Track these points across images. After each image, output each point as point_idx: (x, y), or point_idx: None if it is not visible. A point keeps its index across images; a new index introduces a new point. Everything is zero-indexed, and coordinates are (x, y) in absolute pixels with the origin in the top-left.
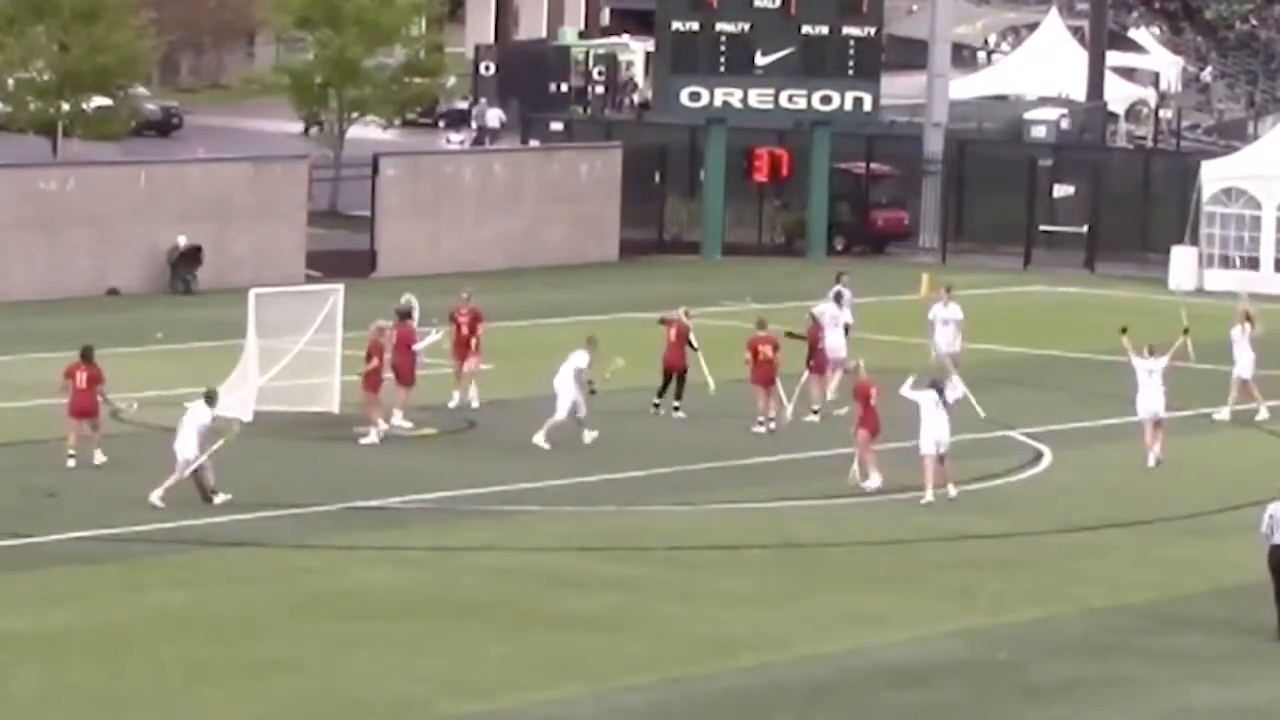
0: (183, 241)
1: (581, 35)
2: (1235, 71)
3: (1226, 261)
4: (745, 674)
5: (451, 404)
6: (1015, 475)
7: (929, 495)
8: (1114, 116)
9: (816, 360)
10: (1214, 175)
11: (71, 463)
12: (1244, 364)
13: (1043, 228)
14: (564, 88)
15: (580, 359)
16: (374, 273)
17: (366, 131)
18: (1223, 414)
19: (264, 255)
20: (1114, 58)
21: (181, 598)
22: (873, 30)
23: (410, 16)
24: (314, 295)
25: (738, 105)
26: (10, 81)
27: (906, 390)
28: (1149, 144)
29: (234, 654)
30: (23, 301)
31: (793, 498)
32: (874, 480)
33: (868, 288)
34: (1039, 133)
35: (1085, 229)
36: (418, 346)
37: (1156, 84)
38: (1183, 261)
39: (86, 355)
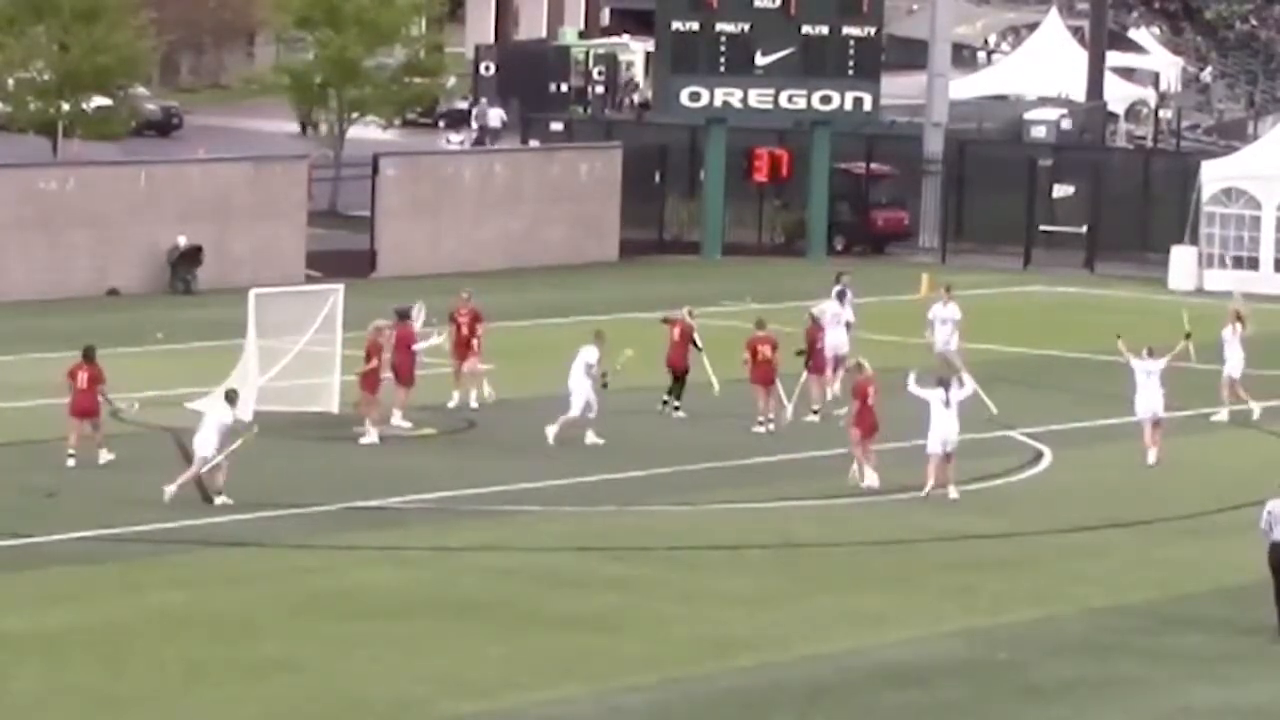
0: (183, 241)
1: (581, 35)
2: (1235, 71)
3: (1226, 261)
4: (745, 674)
5: (451, 404)
6: (1015, 475)
7: (928, 488)
8: (1114, 116)
9: (815, 360)
10: (1214, 175)
11: (71, 462)
12: (1234, 364)
13: (1042, 228)
14: (564, 88)
15: (590, 354)
16: (374, 273)
17: (366, 131)
18: (1221, 415)
19: (264, 255)
20: (1114, 58)
21: (181, 598)
22: (873, 30)
23: (410, 16)
24: (314, 295)
25: (738, 105)
26: (10, 81)
27: (914, 388)
28: (1149, 144)
29: (234, 654)
30: (23, 301)
31: (793, 498)
32: (869, 479)
33: (868, 288)
34: (1039, 133)
35: (1085, 229)
36: (418, 347)
37: (1156, 84)
38: (1182, 261)
39: (88, 355)
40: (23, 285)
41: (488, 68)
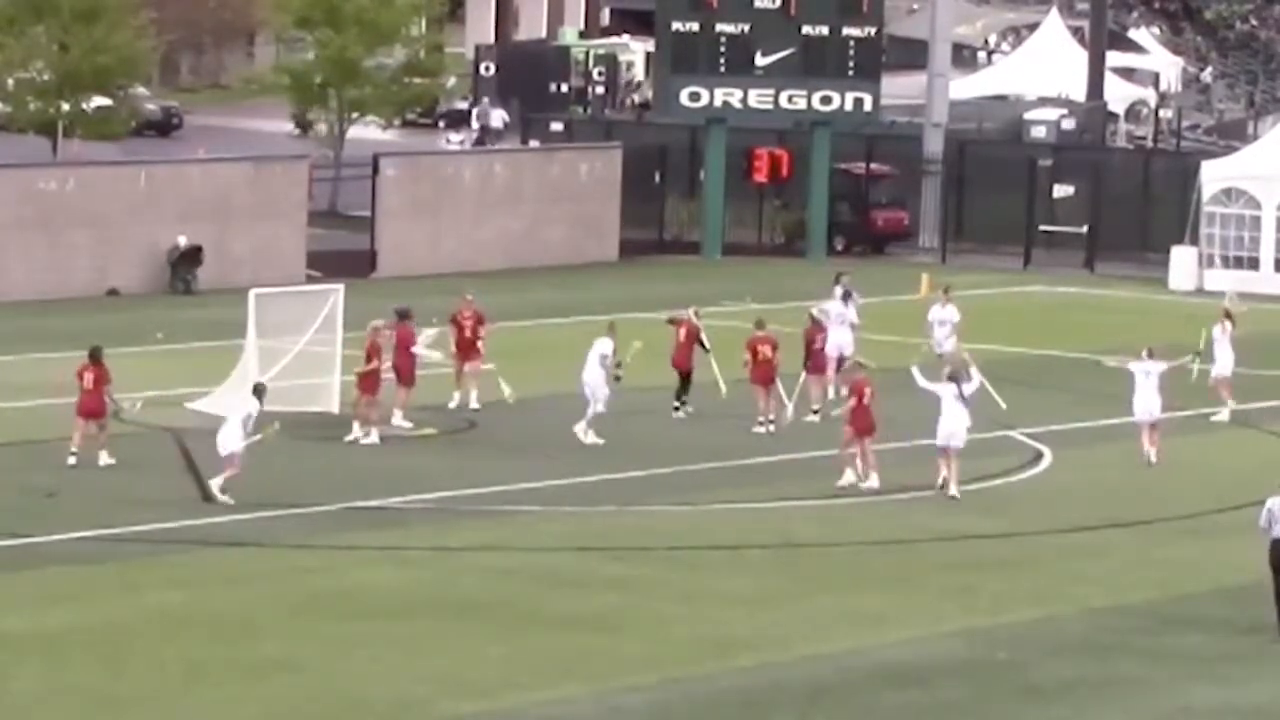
0: (183, 241)
1: (581, 35)
2: (1235, 71)
3: (1227, 262)
4: (745, 674)
5: (452, 404)
6: (1015, 475)
7: (941, 480)
8: (1114, 116)
9: (814, 360)
10: (1214, 175)
11: (72, 460)
12: (1223, 363)
13: (1043, 228)
14: (564, 88)
15: (604, 345)
16: (374, 273)
17: (366, 131)
18: (1222, 415)
19: (264, 255)
20: (1114, 58)
21: (181, 598)
22: (873, 30)
23: (410, 16)
24: (314, 295)
25: (738, 105)
26: (10, 81)
27: (922, 382)
28: (1149, 144)
29: (233, 654)
30: (23, 301)
31: (793, 498)
32: (848, 477)
33: (868, 288)
34: (1039, 133)
35: (1085, 229)
36: (418, 349)
37: (1156, 84)
38: (1182, 262)
39: (94, 356)
40: (23, 285)
41: (488, 68)
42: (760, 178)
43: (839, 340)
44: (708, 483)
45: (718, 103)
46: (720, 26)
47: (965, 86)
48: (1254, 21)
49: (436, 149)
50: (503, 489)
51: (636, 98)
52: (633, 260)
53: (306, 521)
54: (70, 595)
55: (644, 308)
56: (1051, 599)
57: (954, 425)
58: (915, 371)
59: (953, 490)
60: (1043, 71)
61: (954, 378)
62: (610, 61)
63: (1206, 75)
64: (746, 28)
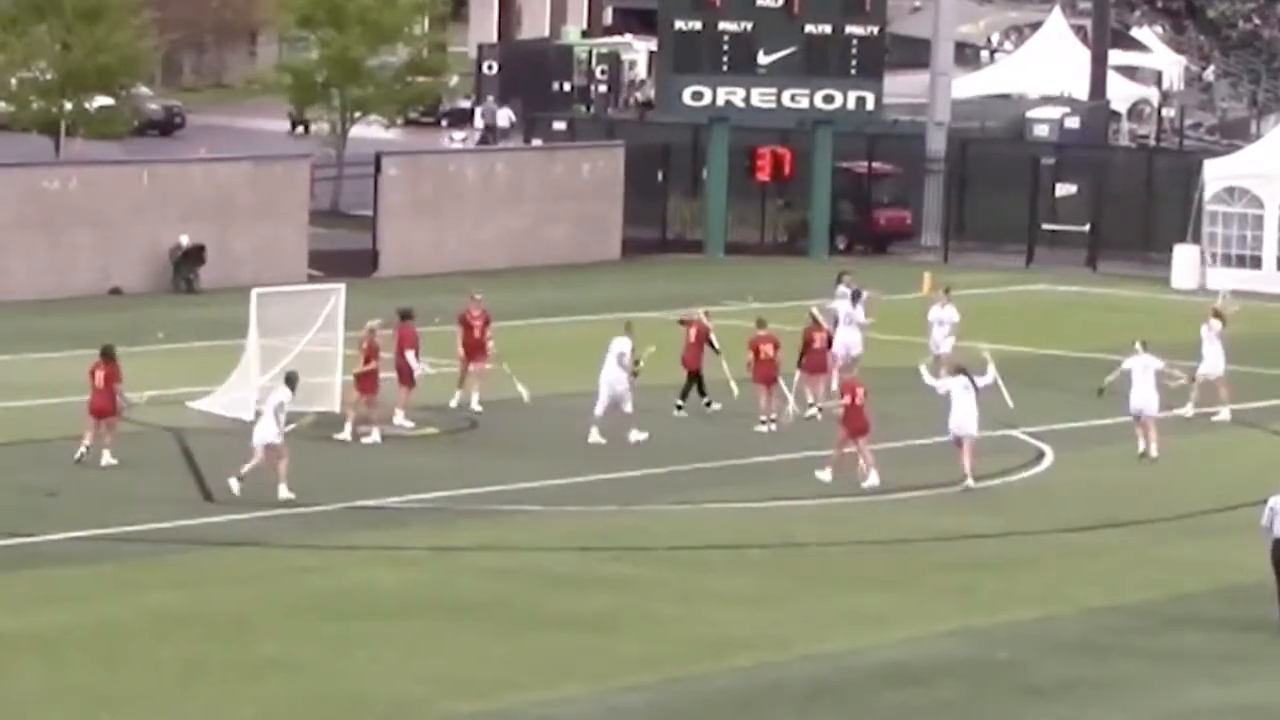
0: (185, 241)
1: (584, 34)
2: (1238, 70)
3: (1229, 260)
4: (745, 674)
5: (453, 403)
6: (1015, 475)
7: (968, 476)
8: (1116, 115)
9: (810, 359)
10: (1216, 174)
11: (80, 452)
12: (1210, 362)
13: (1045, 226)
14: (567, 87)
15: (622, 344)
16: (376, 272)
17: (369, 131)
18: (1223, 414)
19: (266, 255)
20: (1116, 56)
21: (180, 597)
22: (875, 29)
23: (413, 15)
24: (316, 295)
25: (740, 104)
26: (13, 81)
27: (930, 380)
28: (1151, 143)
29: (232, 654)
30: (25, 301)
31: (792, 497)
32: (826, 474)
33: (870, 287)
34: (1041, 131)
35: (1088, 228)
36: (415, 363)
37: (1159, 83)
38: (1185, 260)
39: (106, 354)
40: (25, 285)
41: (490, 67)
42: (763, 177)
43: (847, 340)
44: (707, 482)
45: (720, 101)
46: (723, 25)
47: (968, 85)
48: (1257, 20)
49: (439, 148)
50: (503, 489)
51: (639, 96)
52: (635, 259)
53: (305, 521)
54: (69, 595)
55: (647, 307)
56: (1051, 599)
57: (963, 415)
58: (924, 370)
59: (968, 481)
60: (1045, 70)
61: (962, 369)
62: (613, 60)
63: (1209, 74)
64: (749, 26)
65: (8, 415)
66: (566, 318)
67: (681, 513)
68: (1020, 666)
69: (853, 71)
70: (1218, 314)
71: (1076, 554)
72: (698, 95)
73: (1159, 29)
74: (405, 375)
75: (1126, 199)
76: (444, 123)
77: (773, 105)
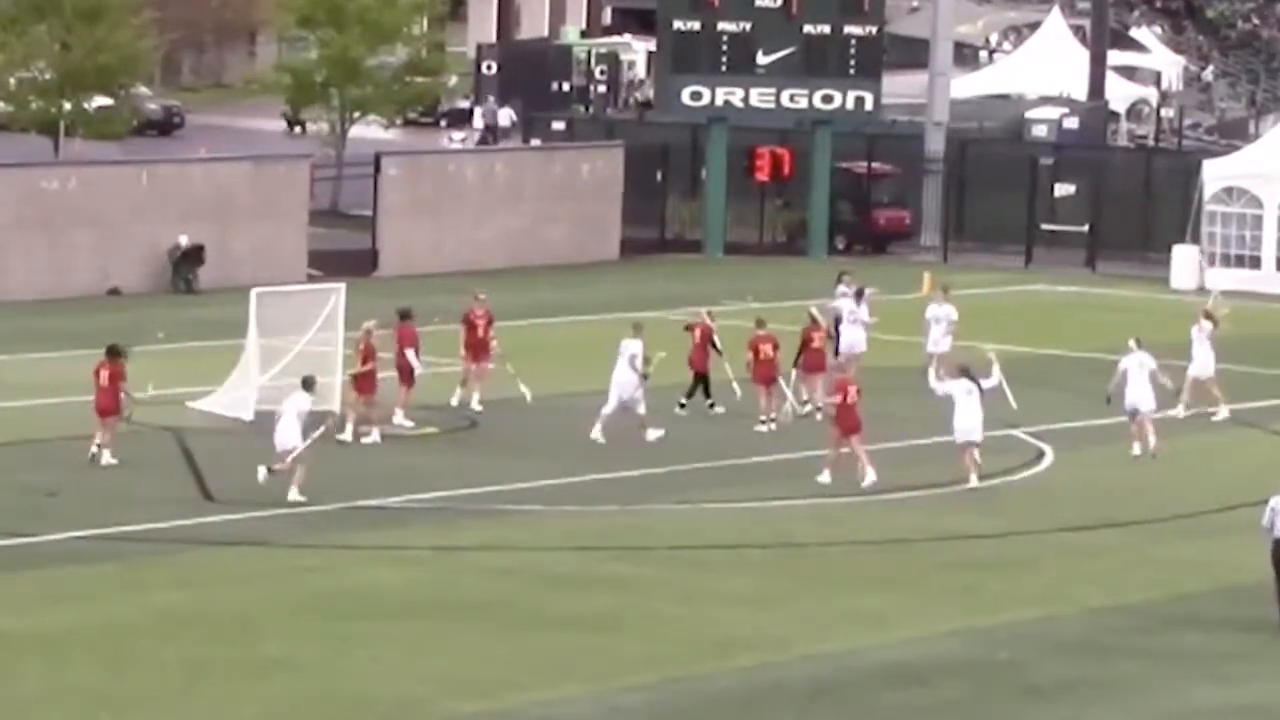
0: (184, 241)
1: (583, 34)
2: (1237, 70)
3: (1228, 260)
4: (745, 674)
5: (453, 401)
6: (1015, 475)
7: (973, 481)
8: (1115, 115)
9: (807, 359)
10: (1215, 174)
11: (92, 452)
12: (1199, 363)
13: (1044, 227)
14: (566, 87)
15: (634, 346)
16: (375, 272)
17: (368, 131)
18: (1222, 413)
19: (265, 255)
20: (1115, 57)
21: (182, 597)
22: (874, 29)
23: (412, 16)
24: (315, 295)
25: (739, 104)
26: (12, 81)
27: (935, 384)
28: (1150, 143)
29: (234, 654)
30: (24, 301)
31: (792, 497)
32: (825, 477)
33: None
34: (1040, 132)
35: (1087, 228)
36: (415, 362)
37: (1158, 83)
38: (1184, 261)
39: (111, 352)
40: (24, 285)
41: (490, 67)
42: (762, 177)
43: (851, 338)
44: (708, 482)
45: (719, 102)
46: (722, 25)
47: (966, 85)
48: (1255, 20)
49: (438, 148)
50: (503, 488)
51: (638, 96)
52: (634, 259)
53: (307, 521)
54: (71, 595)
55: (645, 307)
56: (1051, 599)
57: (969, 421)
58: (931, 378)
59: (972, 482)
60: (1044, 70)
61: (967, 372)
62: (612, 60)
63: (1208, 74)
64: (748, 26)
65: (7, 415)
66: (565, 318)
67: (682, 513)
68: (1021, 666)
69: (851, 72)
70: (1208, 315)
71: (1076, 554)
72: (696, 95)
73: (1158, 29)
74: (405, 375)
75: (1125, 199)
76: (443, 123)
77: (771, 105)
